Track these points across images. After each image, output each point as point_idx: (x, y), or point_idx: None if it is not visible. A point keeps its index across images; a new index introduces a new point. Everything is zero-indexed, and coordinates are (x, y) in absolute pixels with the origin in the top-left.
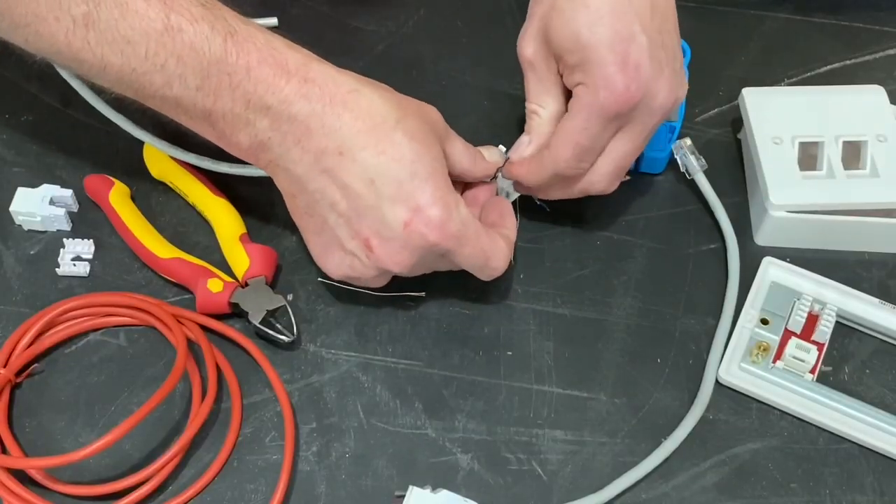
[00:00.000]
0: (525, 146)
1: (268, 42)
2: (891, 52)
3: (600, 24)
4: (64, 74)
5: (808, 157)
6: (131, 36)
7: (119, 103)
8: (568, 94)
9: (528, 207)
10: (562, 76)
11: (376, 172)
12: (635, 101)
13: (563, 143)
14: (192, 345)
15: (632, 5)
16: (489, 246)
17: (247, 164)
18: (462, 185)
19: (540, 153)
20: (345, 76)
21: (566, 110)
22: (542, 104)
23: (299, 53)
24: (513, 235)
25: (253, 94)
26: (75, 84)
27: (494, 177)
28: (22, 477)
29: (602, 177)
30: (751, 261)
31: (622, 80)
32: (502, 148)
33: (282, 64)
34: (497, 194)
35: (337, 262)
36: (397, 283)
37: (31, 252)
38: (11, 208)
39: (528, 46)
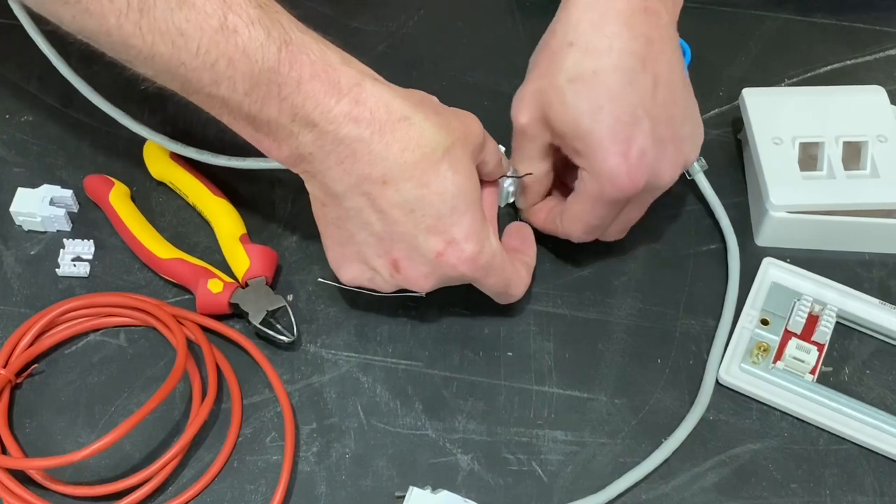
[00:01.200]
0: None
1: (322, 55)
2: (891, 52)
3: (601, 111)
4: (57, 65)
5: (809, 157)
6: (185, 28)
7: (119, 100)
8: (557, 156)
9: None
10: (557, 147)
11: (418, 204)
12: (639, 188)
13: (573, 223)
14: (192, 345)
15: (634, 86)
16: (512, 274)
17: (246, 157)
18: None
19: (553, 221)
20: (397, 101)
21: (554, 172)
22: (529, 170)
23: (353, 69)
24: (533, 262)
25: (301, 108)
26: (75, 82)
27: None
28: (22, 477)
29: (612, 234)
30: (751, 261)
31: (626, 171)
32: (502, 148)
33: (334, 81)
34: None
35: (355, 274)
36: None
37: (31, 252)
38: (11, 209)
39: (523, 115)
